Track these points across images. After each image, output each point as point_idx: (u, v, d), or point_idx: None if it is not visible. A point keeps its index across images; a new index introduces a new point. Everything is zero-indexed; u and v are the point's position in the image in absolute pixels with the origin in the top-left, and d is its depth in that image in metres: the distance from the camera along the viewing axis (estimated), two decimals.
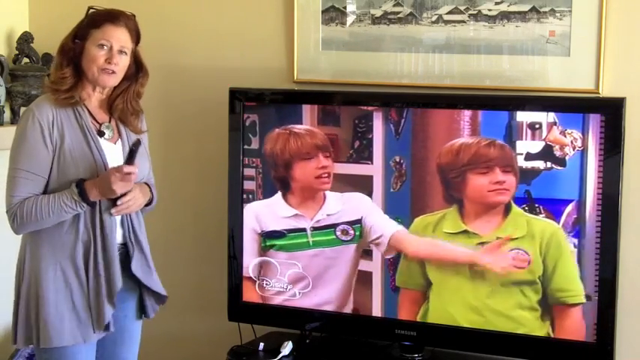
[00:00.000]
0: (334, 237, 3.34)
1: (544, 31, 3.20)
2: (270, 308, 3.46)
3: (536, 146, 3.05)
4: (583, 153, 3.00)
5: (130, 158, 2.78)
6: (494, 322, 3.14)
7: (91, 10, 2.87)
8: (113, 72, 2.82)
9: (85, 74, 2.83)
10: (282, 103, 3.44)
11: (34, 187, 2.78)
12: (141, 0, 3.52)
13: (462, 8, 3.30)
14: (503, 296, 3.12)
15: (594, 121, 2.98)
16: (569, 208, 3.03)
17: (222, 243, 3.52)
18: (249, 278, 3.48)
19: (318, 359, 3.42)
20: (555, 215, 3.05)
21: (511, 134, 3.09)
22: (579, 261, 3.04)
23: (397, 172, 3.25)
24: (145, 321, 3.07)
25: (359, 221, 3.31)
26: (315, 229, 3.36)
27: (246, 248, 3.46)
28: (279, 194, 3.40)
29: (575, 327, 3.06)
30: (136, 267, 2.91)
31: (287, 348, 3.38)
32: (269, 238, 3.43)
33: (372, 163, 3.28)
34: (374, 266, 3.32)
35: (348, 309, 3.37)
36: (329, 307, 3.39)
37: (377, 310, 3.33)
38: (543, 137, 3.05)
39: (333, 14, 3.48)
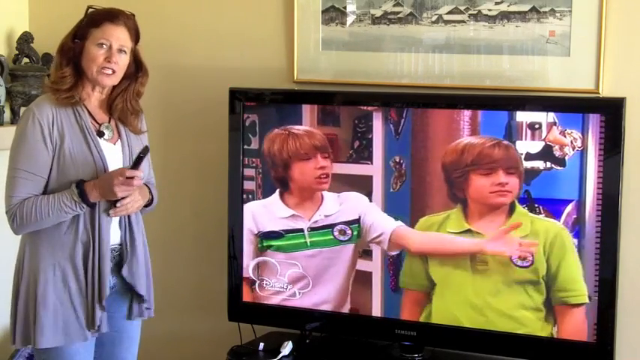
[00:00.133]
0: (332, 237, 3.34)
1: (544, 31, 3.20)
2: (270, 308, 3.46)
3: (536, 146, 3.05)
4: (583, 153, 3.00)
5: (135, 164, 2.78)
6: (496, 322, 3.14)
7: (91, 10, 2.87)
8: (113, 71, 2.82)
9: (85, 74, 2.83)
10: (282, 103, 3.44)
11: (34, 188, 2.78)
12: (141, 0, 3.52)
13: (462, 8, 3.30)
14: (506, 296, 3.11)
15: (594, 121, 2.98)
16: (569, 208, 3.03)
17: (222, 243, 3.52)
18: (249, 278, 3.48)
19: (318, 359, 3.42)
20: (555, 215, 3.05)
21: (511, 134, 3.09)
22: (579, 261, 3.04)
23: (397, 172, 3.25)
24: (145, 321, 3.07)
25: (357, 221, 3.31)
26: (312, 229, 3.36)
27: (245, 248, 3.47)
28: (276, 195, 3.40)
29: (578, 327, 3.05)
30: (127, 270, 2.90)
31: (287, 348, 3.38)
32: (266, 239, 3.43)
33: (371, 163, 3.28)
34: (374, 266, 3.32)
35: (347, 309, 3.37)
36: (329, 307, 3.39)
37: (377, 310, 3.33)
38: (543, 137, 3.05)
39: (333, 14, 3.48)
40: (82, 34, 2.83)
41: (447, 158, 3.14)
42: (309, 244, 3.37)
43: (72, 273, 2.80)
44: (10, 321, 2.89)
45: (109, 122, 2.91)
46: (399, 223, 3.24)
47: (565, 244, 3.04)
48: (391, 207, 3.26)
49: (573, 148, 3.01)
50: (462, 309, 3.18)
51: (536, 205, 3.07)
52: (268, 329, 3.57)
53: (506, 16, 3.25)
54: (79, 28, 2.85)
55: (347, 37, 3.47)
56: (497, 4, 3.25)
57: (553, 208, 3.05)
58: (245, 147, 3.44)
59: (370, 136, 3.27)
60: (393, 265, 3.29)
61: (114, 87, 2.91)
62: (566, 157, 3.02)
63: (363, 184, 3.30)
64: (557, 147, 3.03)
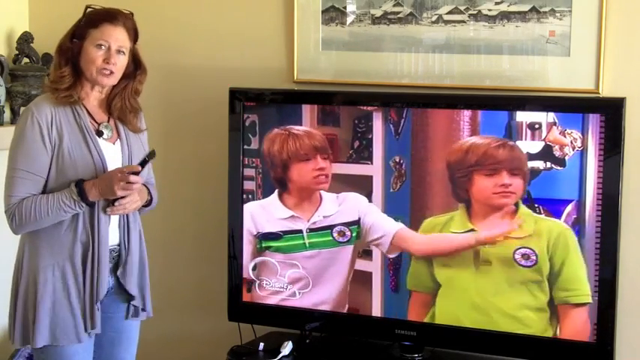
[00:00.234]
0: (331, 238, 3.34)
1: (544, 31, 3.20)
2: (270, 308, 3.46)
3: (536, 146, 3.05)
4: (583, 153, 3.00)
5: (141, 166, 2.78)
6: (499, 322, 3.13)
7: (89, 9, 2.86)
8: (111, 72, 2.82)
9: (84, 74, 2.83)
10: (282, 103, 3.44)
11: (33, 187, 2.78)
12: (140, 0, 3.52)
13: (462, 8, 3.30)
14: (510, 296, 3.11)
15: (594, 121, 2.98)
16: (569, 208, 3.03)
17: (222, 243, 3.52)
18: (249, 278, 3.47)
19: (318, 359, 3.42)
20: (555, 215, 3.05)
21: (511, 134, 3.09)
22: None
23: (397, 173, 3.25)
24: (145, 321, 3.06)
25: (356, 222, 3.31)
26: (311, 230, 3.36)
27: (245, 248, 3.46)
28: (275, 195, 3.40)
29: (581, 327, 3.05)
30: (121, 270, 2.90)
31: (287, 348, 3.38)
32: (265, 240, 3.43)
33: (371, 164, 3.28)
34: (374, 266, 3.32)
35: (347, 309, 3.37)
36: (329, 307, 3.38)
37: (377, 310, 3.32)
38: (543, 137, 3.05)
39: (333, 14, 3.48)
40: (80, 34, 2.83)
41: (452, 157, 3.14)
42: (307, 245, 3.37)
43: (71, 272, 2.80)
44: (9, 321, 2.89)
45: (108, 122, 2.91)
46: (401, 225, 3.24)
47: (569, 243, 3.04)
48: (391, 207, 3.26)
49: (573, 148, 3.01)
50: (466, 309, 3.18)
51: (536, 205, 3.07)
52: (268, 329, 3.57)
53: (506, 16, 3.24)
54: (78, 27, 2.85)
55: (347, 37, 3.47)
56: (497, 4, 3.25)
57: (553, 208, 3.05)
58: (245, 147, 3.44)
59: (370, 136, 3.27)
60: (393, 265, 3.29)
61: (113, 86, 2.90)
62: (566, 157, 3.02)
63: (363, 184, 3.30)
64: (557, 147, 3.03)
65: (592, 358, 3.07)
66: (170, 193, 3.62)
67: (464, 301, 3.18)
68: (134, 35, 2.88)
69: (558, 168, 3.04)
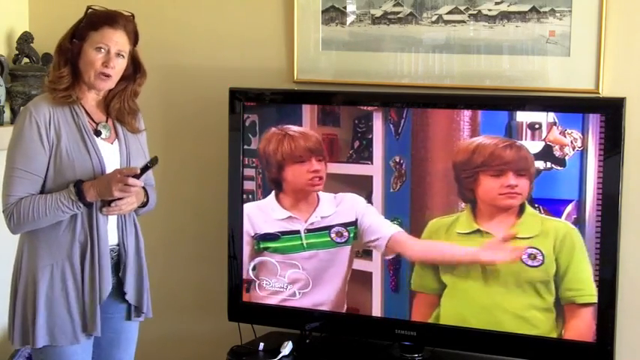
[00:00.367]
0: (329, 239, 3.34)
1: (544, 31, 3.20)
2: (270, 308, 3.46)
3: (536, 146, 3.05)
4: (583, 153, 3.00)
5: (142, 171, 2.78)
6: (507, 323, 3.12)
7: (90, 10, 2.86)
8: (109, 76, 2.82)
9: (82, 76, 2.83)
10: (282, 103, 3.44)
11: (31, 187, 2.78)
12: (141, 0, 3.52)
13: (462, 8, 3.30)
14: (516, 296, 3.10)
15: (594, 121, 2.98)
16: (569, 208, 3.03)
17: (222, 243, 3.52)
18: (249, 278, 3.47)
19: (318, 359, 3.42)
20: (555, 215, 3.05)
21: (511, 134, 3.09)
22: None
23: (397, 173, 3.25)
24: (145, 321, 3.06)
25: (353, 223, 3.31)
26: (309, 231, 3.36)
27: (245, 248, 3.46)
28: (272, 196, 3.40)
29: (586, 327, 3.04)
30: (123, 272, 2.90)
31: (287, 348, 3.38)
32: (262, 241, 3.43)
33: (371, 164, 3.28)
34: (374, 266, 3.32)
35: (347, 309, 3.36)
36: (329, 307, 3.38)
37: (377, 310, 3.32)
38: (543, 137, 3.05)
39: (333, 14, 3.48)
40: (80, 35, 2.82)
41: (458, 158, 3.14)
42: (305, 245, 3.37)
43: (70, 273, 2.80)
44: (8, 321, 2.89)
45: (107, 122, 2.91)
46: (398, 228, 3.24)
47: (575, 243, 3.03)
48: (391, 207, 3.26)
49: (573, 148, 3.01)
50: (472, 310, 3.17)
51: (537, 205, 3.07)
52: (268, 329, 3.57)
53: (506, 16, 3.24)
54: (78, 28, 2.84)
55: (347, 37, 3.47)
56: (497, 4, 3.25)
57: (553, 208, 3.05)
58: (245, 147, 3.44)
59: (370, 136, 3.27)
60: (393, 265, 3.29)
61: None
62: (567, 157, 3.02)
63: (363, 185, 3.29)
64: (557, 147, 3.03)
65: (592, 358, 3.06)
66: (170, 193, 3.62)
67: (470, 302, 3.17)
68: (134, 38, 2.88)
69: (558, 168, 3.04)
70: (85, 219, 2.81)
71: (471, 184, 3.11)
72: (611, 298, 3.01)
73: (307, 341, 3.43)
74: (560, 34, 3.18)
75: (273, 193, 3.40)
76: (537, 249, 3.07)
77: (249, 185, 3.45)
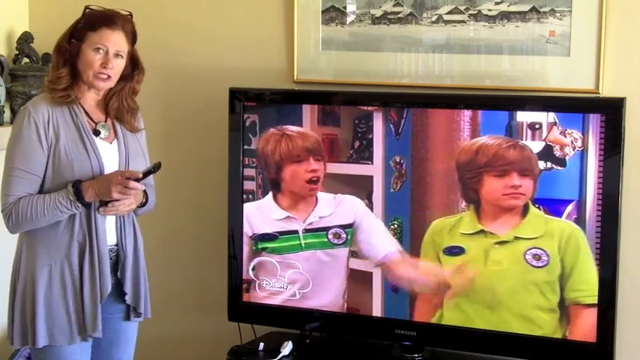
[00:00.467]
0: (326, 240, 3.34)
1: (544, 31, 3.20)
2: (270, 308, 3.46)
3: (537, 146, 3.05)
4: (583, 153, 3.00)
5: (144, 175, 2.78)
6: (512, 323, 3.11)
7: (88, 10, 2.86)
8: (108, 76, 2.82)
9: (81, 76, 2.83)
10: (282, 103, 3.44)
11: (30, 187, 2.78)
12: (140, 0, 3.52)
13: (462, 8, 3.30)
14: (522, 296, 3.10)
15: (594, 121, 2.98)
16: (570, 208, 3.03)
17: (222, 243, 3.52)
18: (249, 278, 3.47)
19: (318, 359, 3.42)
20: (555, 215, 3.05)
21: (511, 134, 3.09)
22: None
23: (397, 172, 3.25)
24: (144, 321, 3.06)
25: (351, 225, 3.31)
26: (307, 231, 3.36)
27: (245, 248, 3.46)
28: (269, 196, 3.40)
29: (589, 328, 3.04)
30: (122, 272, 2.90)
31: (287, 348, 3.38)
32: (261, 241, 3.43)
33: (372, 164, 3.28)
34: (374, 266, 3.32)
35: (347, 309, 3.36)
36: (329, 307, 3.38)
37: (377, 310, 3.32)
38: (543, 137, 3.05)
39: (333, 14, 3.48)
40: (78, 36, 2.82)
41: (461, 158, 3.13)
42: (303, 245, 3.37)
43: (68, 272, 2.80)
44: (7, 321, 2.89)
45: (106, 121, 2.91)
46: (392, 247, 3.23)
47: (579, 243, 3.03)
48: (391, 207, 3.26)
49: (574, 148, 3.01)
50: (476, 310, 3.16)
51: (537, 205, 3.06)
52: (268, 329, 3.57)
53: (506, 16, 3.24)
54: (76, 29, 2.84)
55: (347, 37, 3.47)
56: (497, 4, 3.25)
57: (553, 208, 3.05)
58: (245, 147, 3.44)
59: (370, 136, 3.27)
60: None
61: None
62: (567, 157, 3.02)
63: (363, 185, 3.29)
64: (557, 147, 3.03)
65: (592, 358, 3.06)
66: (170, 193, 3.62)
67: (474, 303, 3.17)
68: (132, 38, 2.88)
69: (559, 168, 3.04)
70: (84, 219, 2.81)
71: (475, 184, 3.11)
72: (611, 298, 3.01)
73: (307, 341, 3.43)
74: (560, 34, 3.18)
75: (270, 193, 3.40)
76: (542, 249, 3.06)
77: (249, 185, 3.45)
